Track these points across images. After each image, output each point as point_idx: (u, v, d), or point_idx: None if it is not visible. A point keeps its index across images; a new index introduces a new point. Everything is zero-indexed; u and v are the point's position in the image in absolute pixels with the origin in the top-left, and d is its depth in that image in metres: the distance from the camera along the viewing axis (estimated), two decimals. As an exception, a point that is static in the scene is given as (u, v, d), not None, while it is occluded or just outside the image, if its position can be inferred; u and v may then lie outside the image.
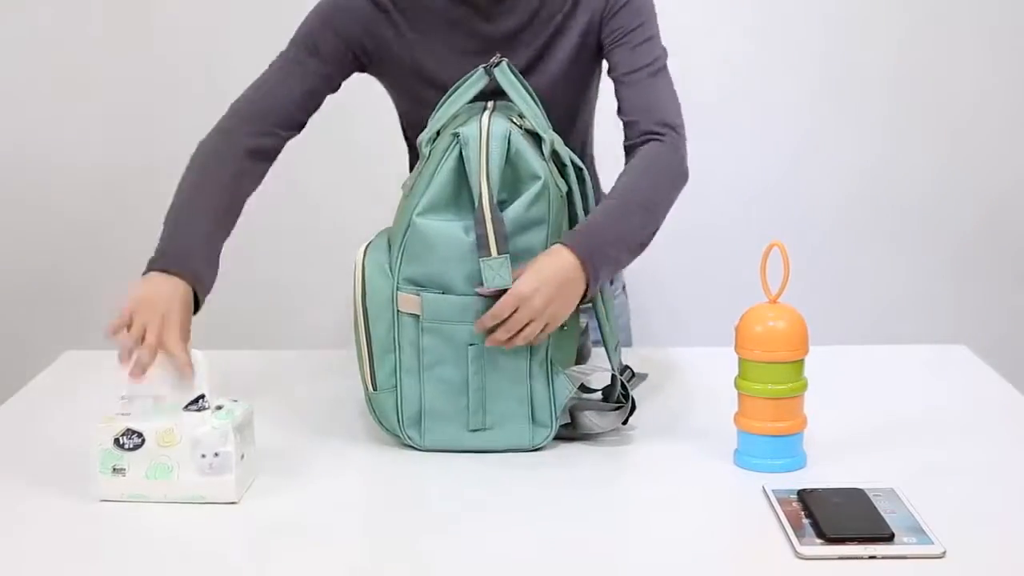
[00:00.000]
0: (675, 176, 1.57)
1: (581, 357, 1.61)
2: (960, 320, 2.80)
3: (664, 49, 1.65)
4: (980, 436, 1.51)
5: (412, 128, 1.71)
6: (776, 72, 2.70)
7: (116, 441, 1.33)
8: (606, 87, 1.68)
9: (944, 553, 1.17)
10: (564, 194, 1.48)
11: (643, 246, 1.51)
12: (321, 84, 1.65)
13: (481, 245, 1.39)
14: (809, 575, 1.16)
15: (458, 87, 1.51)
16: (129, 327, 1.42)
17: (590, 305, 1.51)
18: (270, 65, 1.67)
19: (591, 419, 1.48)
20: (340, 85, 1.68)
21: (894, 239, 2.80)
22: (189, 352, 1.39)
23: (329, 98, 1.67)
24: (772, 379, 1.37)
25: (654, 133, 1.57)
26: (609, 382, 1.52)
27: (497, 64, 1.49)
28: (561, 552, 1.21)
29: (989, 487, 1.36)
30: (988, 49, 2.72)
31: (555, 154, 1.49)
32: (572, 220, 1.50)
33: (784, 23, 2.69)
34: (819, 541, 1.19)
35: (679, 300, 2.75)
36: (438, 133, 1.49)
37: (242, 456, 1.34)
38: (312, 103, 1.65)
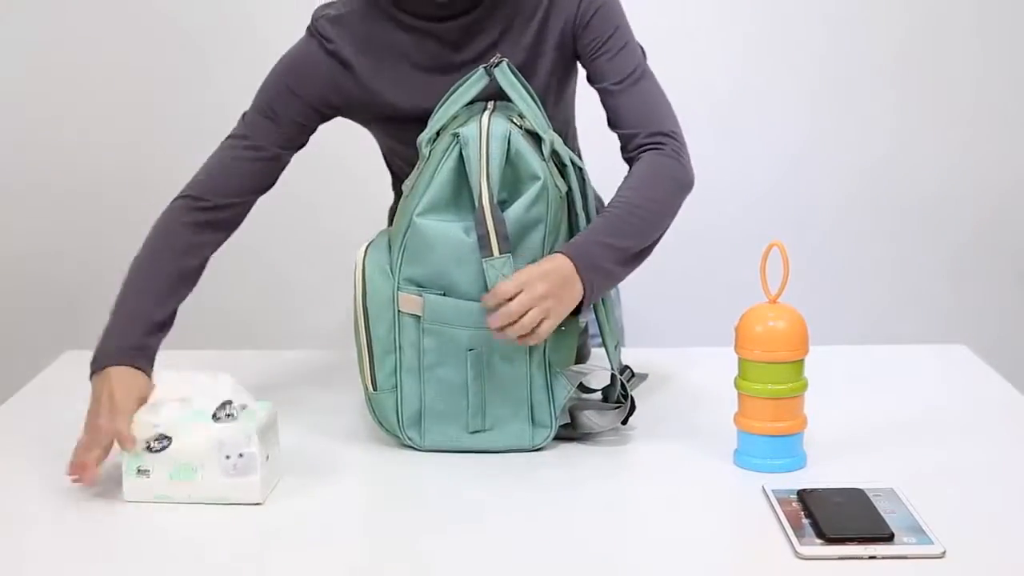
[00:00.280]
0: (677, 184, 1.55)
1: (581, 357, 1.61)
2: (960, 320, 2.80)
3: (642, 50, 1.62)
4: (980, 436, 1.51)
5: (393, 156, 1.70)
6: (776, 72, 2.70)
7: (147, 446, 1.33)
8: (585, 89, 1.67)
9: (944, 553, 1.17)
10: (564, 194, 1.48)
11: (643, 256, 1.50)
12: (285, 147, 1.62)
13: (483, 245, 1.39)
14: (809, 575, 1.16)
15: (458, 88, 1.51)
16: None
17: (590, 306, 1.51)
18: (229, 136, 1.65)
19: (590, 418, 1.48)
20: (308, 140, 1.64)
21: (894, 239, 2.80)
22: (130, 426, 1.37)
23: None
24: (772, 379, 1.37)
25: (652, 144, 1.56)
26: (609, 382, 1.52)
27: (497, 64, 1.49)
28: (561, 552, 1.21)
29: (989, 487, 1.36)
30: (988, 49, 2.72)
31: (555, 154, 1.49)
32: (571, 220, 1.50)
33: (784, 23, 2.69)
34: (819, 541, 1.19)
35: (679, 300, 2.75)
36: (438, 133, 1.49)
37: (267, 457, 1.34)
38: (277, 166, 1.62)
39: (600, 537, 1.26)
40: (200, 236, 1.61)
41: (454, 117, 1.49)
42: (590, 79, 1.62)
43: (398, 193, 1.65)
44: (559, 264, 1.41)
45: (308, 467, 1.44)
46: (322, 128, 1.64)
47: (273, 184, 1.63)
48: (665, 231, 1.53)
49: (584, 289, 1.42)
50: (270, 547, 1.25)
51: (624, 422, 1.49)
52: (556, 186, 1.45)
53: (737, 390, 1.40)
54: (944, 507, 1.27)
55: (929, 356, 1.85)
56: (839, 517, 1.23)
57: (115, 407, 1.38)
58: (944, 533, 1.20)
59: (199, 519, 1.30)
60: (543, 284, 1.38)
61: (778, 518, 1.25)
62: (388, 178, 1.75)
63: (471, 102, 1.50)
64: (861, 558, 1.17)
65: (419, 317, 1.42)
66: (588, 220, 1.51)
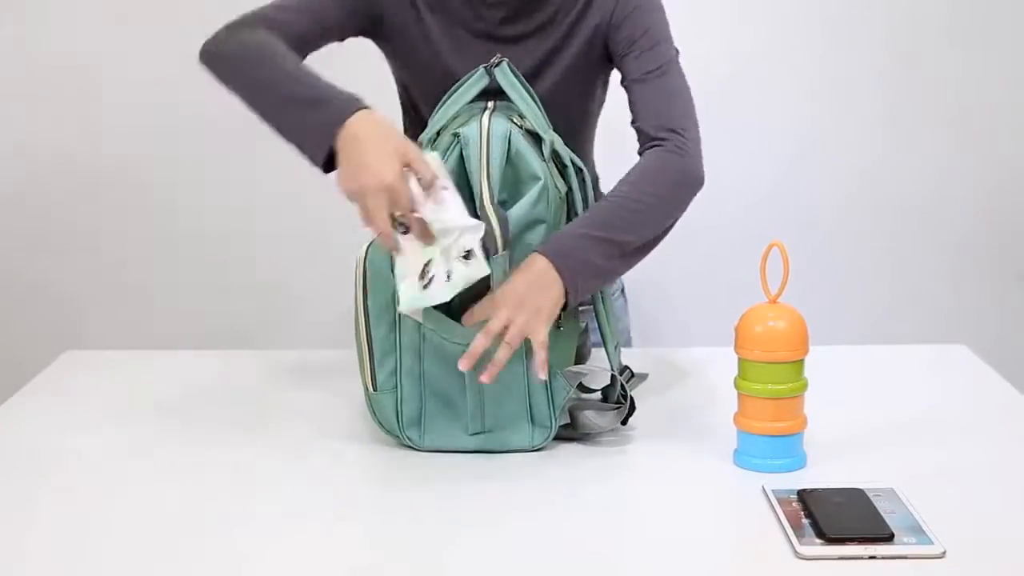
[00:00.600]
0: (678, 180, 1.54)
1: (581, 357, 1.61)
2: (960, 320, 2.80)
3: (675, 49, 1.64)
4: (980, 436, 1.51)
5: (408, 92, 1.71)
6: (776, 72, 2.70)
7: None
8: (616, 99, 1.67)
9: (944, 553, 1.17)
10: (564, 195, 1.48)
11: (642, 252, 1.50)
12: (333, 28, 1.61)
13: (487, 243, 1.39)
14: (809, 575, 1.16)
15: (458, 87, 1.51)
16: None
17: (590, 306, 1.51)
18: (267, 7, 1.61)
19: (590, 418, 1.48)
20: (343, 39, 1.64)
21: (894, 239, 2.80)
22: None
23: None
24: (772, 379, 1.37)
25: (657, 140, 1.56)
26: (609, 382, 1.52)
27: (497, 64, 1.49)
28: (561, 552, 1.21)
29: (989, 487, 1.36)
30: (989, 49, 2.72)
31: (555, 154, 1.49)
32: (571, 220, 1.50)
33: (784, 23, 2.69)
34: (819, 541, 1.19)
35: (679, 300, 2.75)
36: (438, 133, 1.49)
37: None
38: (315, 44, 1.60)
39: (600, 537, 1.25)
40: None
41: (454, 117, 1.49)
42: (620, 79, 1.63)
43: (410, 134, 1.65)
44: (537, 268, 1.40)
45: (308, 467, 1.44)
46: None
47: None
48: (668, 228, 1.52)
49: (566, 286, 1.41)
50: (270, 547, 1.24)
51: (624, 423, 1.49)
52: (556, 187, 1.45)
53: (737, 390, 1.40)
54: (944, 507, 1.27)
55: (929, 356, 1.85)
56: (839, 517, 1.23)
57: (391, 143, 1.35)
58: (944, 533, 1.20)
59: (199, 519, 1.30)
60: (515, 298, 1.37)
61: (778, 518, 1.25)
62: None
63: (471, 101, 1.50)
64: (861, 558, 1.17)
65: (419, 321, 1.42)
66: None
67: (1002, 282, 2.82)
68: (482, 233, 1.36)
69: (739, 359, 1.40)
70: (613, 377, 1.50)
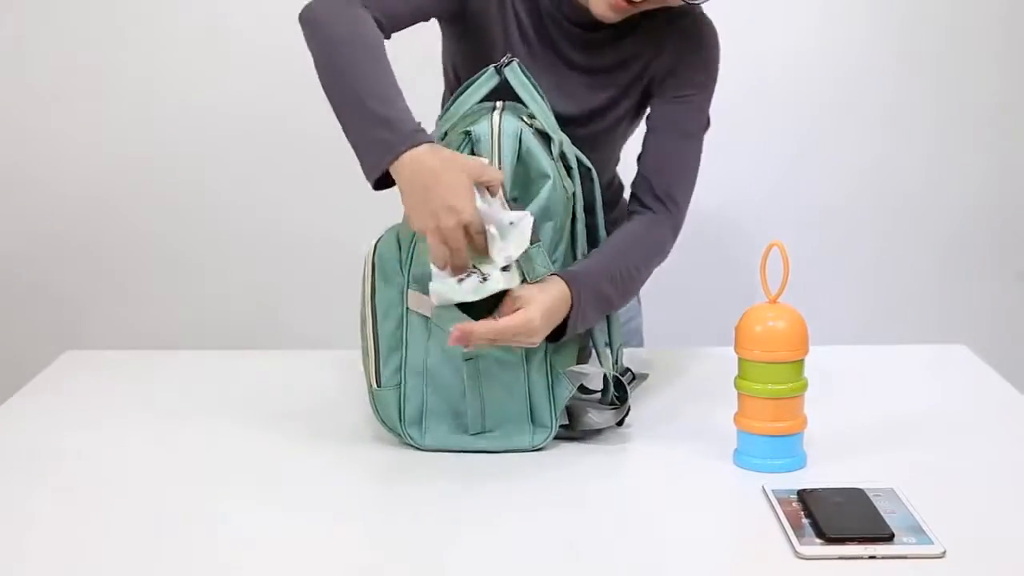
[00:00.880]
0: (656, 258, 1.59)
1: (582, 358, 1.61)
2: (960, 320, 2.80)
3: (708, 119, 1.65)
4: (980, 436, 1.51)
5: (457, 76, 1.68)
6: (776, 72, 2.70)
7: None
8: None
9: (944, 553, 1.17)
10: (571, 195, 1.48)
11: (611, 309, 1.52)
12: (427, 11, 1.59)
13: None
14: (809, 575, 1.16)
15: (468, 86, 1.51)
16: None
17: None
18: None
19: (588, 417, 1.48)
20: (428, 20, 1.61)
21: (894, 239, 2.80)
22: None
23: None
24: (772, 379, 1.37)
25: (658, 202, 1.58)
26: (608, 383, 1.52)
27: (508, 64, 1.49)
28: (561, 552, 1.21)
29: (989, 487, 1.36)
30: (988, 48, 2.72)
31: (563, 155, 1.49)
32: (574, 222, 1.50)
33: (784, 23, 2.69)
34: (819, 541, 1.19)
35: (679, 300, 2.74)
36: (446, 133, 1.49)
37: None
38: (412, 21, 1.57)
39: (600, 537, 1.25)
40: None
41: (463, 116, 1.49)
42: (647, 117, 1.65)
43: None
44: (563, 298, 1.41)
45: (308, 467, 1.44)
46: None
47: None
48: (631, 297, 1.56)
49: (568, 317, 1.42)
50: (270, 547, 1.24)
51: (620, 423, 1.49)
52: (564, 186, 1.45)
53: (737, 390, 1.40)
54: (944, 507, 1.27)
55: (929, 356, 1.85)
56: (839, 517, 1.23)
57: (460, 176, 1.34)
58: (944, 533, 1.20)
59: (199, 519, 1.30)
60: (542, 331, 1.38)
61: (778, 518, 1.25)
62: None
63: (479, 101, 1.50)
64: (861, 558, 1.17)
65: (427, 317, 1.42)
66: (597, 226, 1.54)
67: (1001, 282, 2.82)
68: (525, 248, 1.36)
69: (739, 359, 1.40)
70: (608, 378, 1.50)
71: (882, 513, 1.24)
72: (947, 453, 1.45)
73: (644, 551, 1.22)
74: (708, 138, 1.64)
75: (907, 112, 2.74)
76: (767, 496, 1.30)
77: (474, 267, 1.35)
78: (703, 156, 1.64)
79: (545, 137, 1.47)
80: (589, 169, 1.53)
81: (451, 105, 1.51)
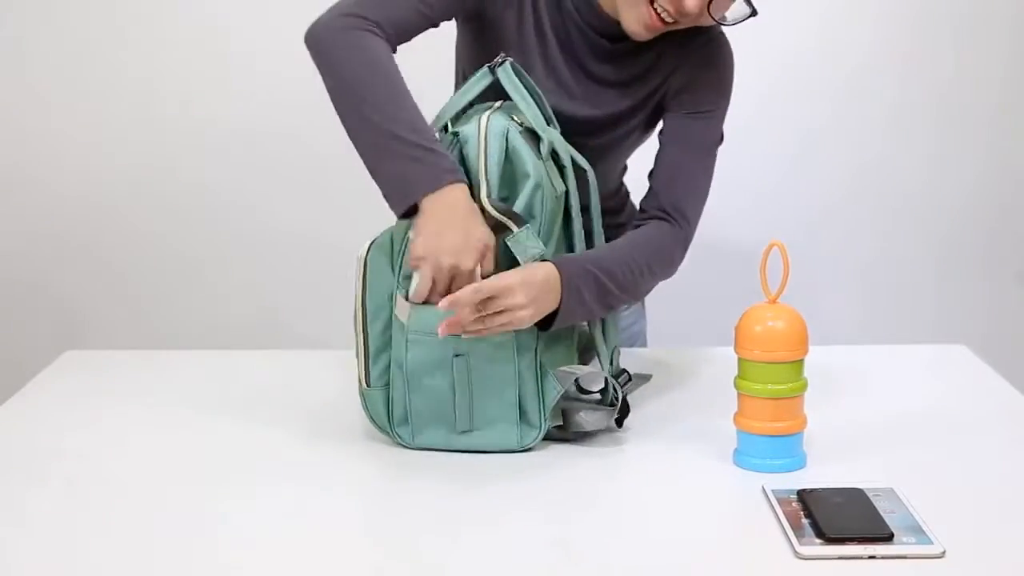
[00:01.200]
0: (666, 266, 1.58)
1: (585, 360, 1.60)
2: (960, 320, 2.80)
3: (722, 134, 1.66)
4: (980, 436, 1.51)
5: (466, 76, 1.66)
6: (776, 72, 2.70)
7: None
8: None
9: (944, 553, 1.17)
10: (561, 194, 1.48)
11: (609, 309, 1.51)
12: (437, 15, 1.57)
13: (499, 230, 1.40)
14: (809, 575, 1.16)
15: (463, 87, 1.52)
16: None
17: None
18: None
19: (582, 418, 1.48)
20: (437, 24, 1.60)
21: (894, 239, 2.80)
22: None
23: None
24: (772, 379, 1.37)
25: (668, 216, 1.58)
26: (605, 384, 1.52)
27: (501, 64, 1.49)
28: (561, 552, 1.21)
29: (989, 487, 1.36)
30: (988, 48, 2.72)
31: (555, 155, 1.49)
32: (566, 221, 1.50)
33: (784, 23, 2.69)
34: (819, 541, 1.19)
35: (679, 300, 2.74)
36: (443, 129, 1.49)
37: None
38: (418, 31, 1.57)
39: (600, 537, 1.25)
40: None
41: (457, 116, 1.50)
42: (660, 131, 1.66)
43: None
44: (548, 273, 1.41)
45: (308, 467, 1.44)
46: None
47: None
48: (636, 298, 1.55)
49: (561, 301, 1.42)
50: (269, 546, 1.24)
51: (619, 424, 1.49)
52: (552, 185, 1.45)
53: (737, 390, 1.40)
54: (944, 507, 1.27)
55: (929, 356, 1.85)
56: (839, 517, 1.23)
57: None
58: (944, 533, 1.20)
59: (199, 519, 1.30)
60: (524, 292, 1.37)
61: (778, 518, 1.25)
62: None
63: (475, 104, 1.50)
64: (861, 558, 1.17)
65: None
66: (592, 226, 1.54)
67: (1002, 282, 2.82)
68: None
69: (739, 359, 1.40)
70: (606, 379, 1.50)
71: (882, 513, 1.24)
72: (947, 453, 1.45)
73: (644, 551, 1.22)
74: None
75: (907, 112, 2.74)
76: (767, 496, 1.30)
77: None
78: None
79: (535, 137, 1.47)
80: (585, 170, 1.53)
81: (446, 107, 1.52)
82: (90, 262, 2.76)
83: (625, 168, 1.83)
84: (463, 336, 1.38)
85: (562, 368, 1.47)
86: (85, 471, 1.43)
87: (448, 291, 1.37)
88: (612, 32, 1.59)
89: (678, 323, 2.70)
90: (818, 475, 1.37)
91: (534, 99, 1.50)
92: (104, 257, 2.76)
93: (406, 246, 1.43)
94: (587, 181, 1.53)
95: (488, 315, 1.37)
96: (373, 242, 1.47)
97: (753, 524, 1.27)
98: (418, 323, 1.41)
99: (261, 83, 2.66)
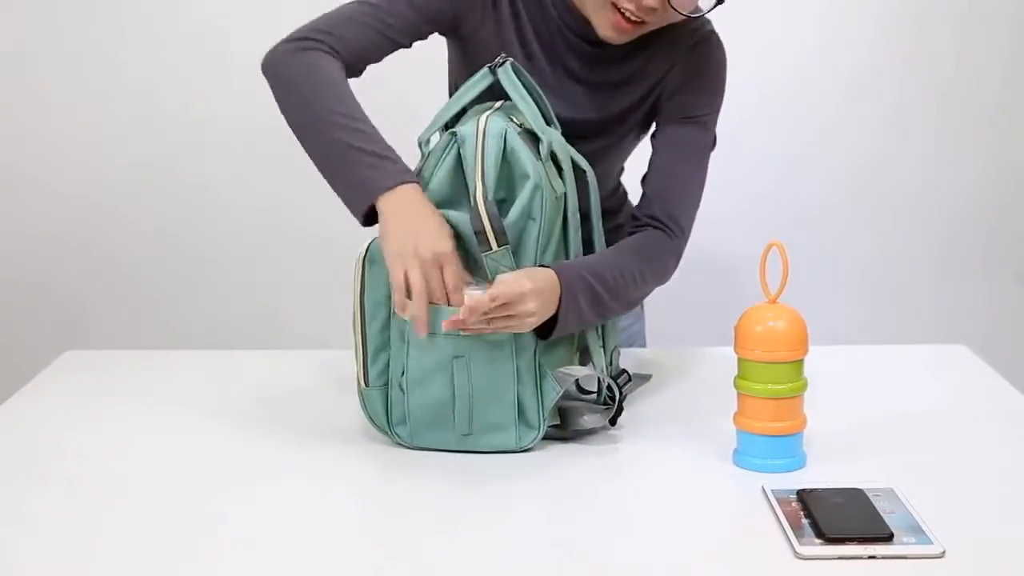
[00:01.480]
0: (660, 275, 1.58)
1: (584, 360, 1.60)
2: (959, 320, 2.80)
3: (715, 138, 1.65)
4: (980, 436, 1.51)
5: (456, 87, 1.68)
6: (776, 72, 2.70)
7: None
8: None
9: (944, 553, 1.17)
10: (560, 195, 1.47)
11: (603, 318, 1.51)
12: (402, 37, 1.58)
13: (480, 240, 1.39)
14: (808, 575, 1.16)
15: (462, 88, 1.52)
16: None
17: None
18: (361, 2, 1.58)
19: (578, 418, 1.48)
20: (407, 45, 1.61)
21: (893, 239, 2.80)
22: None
23: None
24: (772, 379, 1.37)
25: (662, 224, 1.58)
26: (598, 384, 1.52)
27: (502, 64, 1.49)
28: (560, 551, 1.21)
29: (989, 487, 1.36)
30: (988, 48, 2.72)
31: (554, 156, 1.49)
32: (565, 223, 1.50)
33: (784, 23, 2.69)
34: (818, 541, 1.19)
35: (679, 300, 2.74)
36: (445, 128, 1.49)
37: None
38: (383, 53, 1.58)
39: (599, 537, 1.25)
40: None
41: (456, 117, 1.50)
42: (651, 134, 1.66)
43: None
44: (552, 281, 1.41)
45: (308, 467, 1.44)
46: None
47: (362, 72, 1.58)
48: (621, 312, 1.54)
49: (558, 314, 1.42)
50: (269, 546, 1.24)
51: (612, 423, 1.49)
52: (552, 186, 1.45)
53: (737, 390, 1.40)
54: (944, 507, 1.27)
55: (929, 356, 1.85)
56: (839, 517, 1.23)
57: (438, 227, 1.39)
58: (944, 533, 1.20)
59: (199, 519, 1.30)
60: (535, 300, 1.38)
61: (778, 518, 1.25)
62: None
63: (475, 104, 1.50)
64: (861, 558, 1.17)
65: (406, 321, 1.42)
66: (592, 227, 1.54)
67: (1002, 282, 2.82)
68: None
69: (739, 359, 1.40)
70: (600, 380, 1.50)
71: (881, 513, 1.24)
72: (947, 453, 1.45)
73: (644, 551, 1.22)
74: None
75: (907, 112, 2.74)
76: (767, 496, 1.30)
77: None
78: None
79: (535, 138, 1.47)
80: (584, 171, 1.53)
81: (444, 106, 1.52)
82: (90, 262, 2.76)
83: (623, 169, 1.83)
84: (461, 333, 1.39)
85: (561, 369, 1.47)
86: (85, 471, 1.43)
87: (440, 281, 1.37)
88: (596, 38, 1.59)
89: (678, 323, 2.71)
90: (818, 475, 1.37)
91: (534, 99, 1.50)
92: (104, 257, 2.76)
93: None
94: (587, 182, 1.53)
95: (495, 318, 1.37)
96: (372, 242, 1.47)
97: (753, 524, 1.27)
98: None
99: (261, 83, 2.64)
